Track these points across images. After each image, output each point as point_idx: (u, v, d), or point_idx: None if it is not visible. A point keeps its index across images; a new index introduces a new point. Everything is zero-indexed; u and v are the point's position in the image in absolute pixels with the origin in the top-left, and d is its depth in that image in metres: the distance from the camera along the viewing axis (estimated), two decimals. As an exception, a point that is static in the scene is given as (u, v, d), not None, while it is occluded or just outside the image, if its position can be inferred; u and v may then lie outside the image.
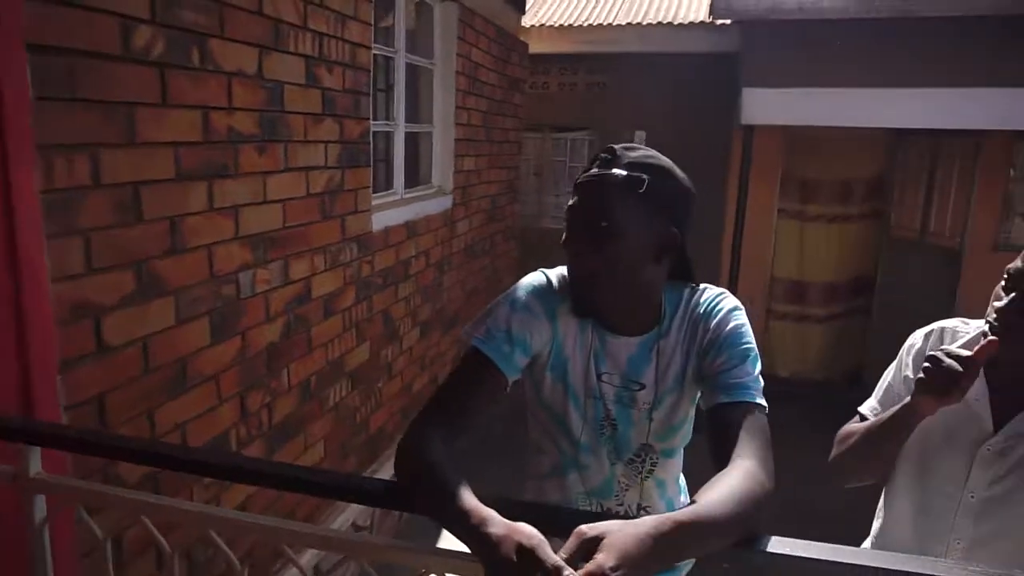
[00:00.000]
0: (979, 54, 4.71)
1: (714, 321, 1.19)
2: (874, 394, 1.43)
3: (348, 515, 2.98)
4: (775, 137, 5.93)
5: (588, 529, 0.78)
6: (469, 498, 0.89)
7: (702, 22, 6.02)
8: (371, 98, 2.82)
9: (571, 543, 0.78)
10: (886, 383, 1.42)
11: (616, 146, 1.16)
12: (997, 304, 1.18)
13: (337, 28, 2.47)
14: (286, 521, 1.17)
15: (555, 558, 0.77)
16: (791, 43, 5.00)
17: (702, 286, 1.27)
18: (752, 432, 1.03)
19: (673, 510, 1.35)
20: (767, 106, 5.03)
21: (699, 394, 1.24)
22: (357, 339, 2.93)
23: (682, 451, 1.37)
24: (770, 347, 6.41)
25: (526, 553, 0.79)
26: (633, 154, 1.15)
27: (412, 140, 3.78)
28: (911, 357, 1.37)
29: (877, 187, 6.16)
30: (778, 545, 0.88)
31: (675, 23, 6.23)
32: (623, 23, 6.32)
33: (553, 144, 7.40)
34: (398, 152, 3.40)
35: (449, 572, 1.03)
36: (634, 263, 1.14)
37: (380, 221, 3.03)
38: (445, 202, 3.84)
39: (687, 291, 1.25)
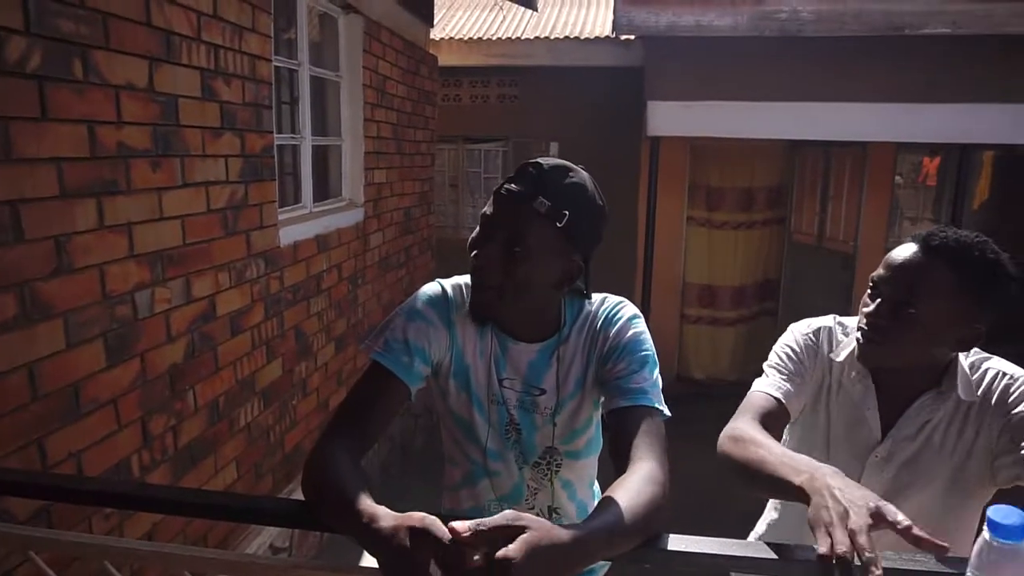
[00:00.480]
0: (861, 71, 5.06)
1: (614, 329, 1.22)
2: (773, 372, 1.31)
3: (264, 538, 2.90)
4: (681, 148, 6.17)
5: (515, 518, 0.78)
6: (364, 501, 0.89)
7: (608, 37, 6.20)
8: (274, 111, 2.77)
9: (496, 519, 0.78)
10: (784, 362, 1.31)
11: (544, 164, 1.14)
12: (865, 310, 1.22)
13: (234, 40, 2.42)
14: (189, 547, 1.15)
15: (448, 534, 0.77)
16: (691, 58, 5.23)
17: (603, 295, 1.30)
18: (650, 435, 1.06)
19: (585, 513, 1.40)
20: (670, 118, 5.24)
21: (600, 399, 1.26)
22: (268, 356, 2.86)
23: (595, 457, 1.39)
24: (684, 350, 6.63)
25: (419, 534, 0.79)
26: (559, 181, 1.13)
27: (321, 153, 3.73)
28: (802, 349, 1.32)
29: (777, 195, 6.49)
30: (677, 543, 0.93)
31: (582, 37, 6.39)
32: (531, 37, 6.44)
33: (467, 155, 7.45)
34: (306, 165, 3.35)
35: None
36: (535, 286, 1.16)
37: (288, 236, 2.98)
38: (357, 215, 3.81)
39: (587, 300, 1.29)
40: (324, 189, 3.75)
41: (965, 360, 1.23)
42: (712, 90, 5.17)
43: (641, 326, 1.24)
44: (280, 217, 2.91)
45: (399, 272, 4.64)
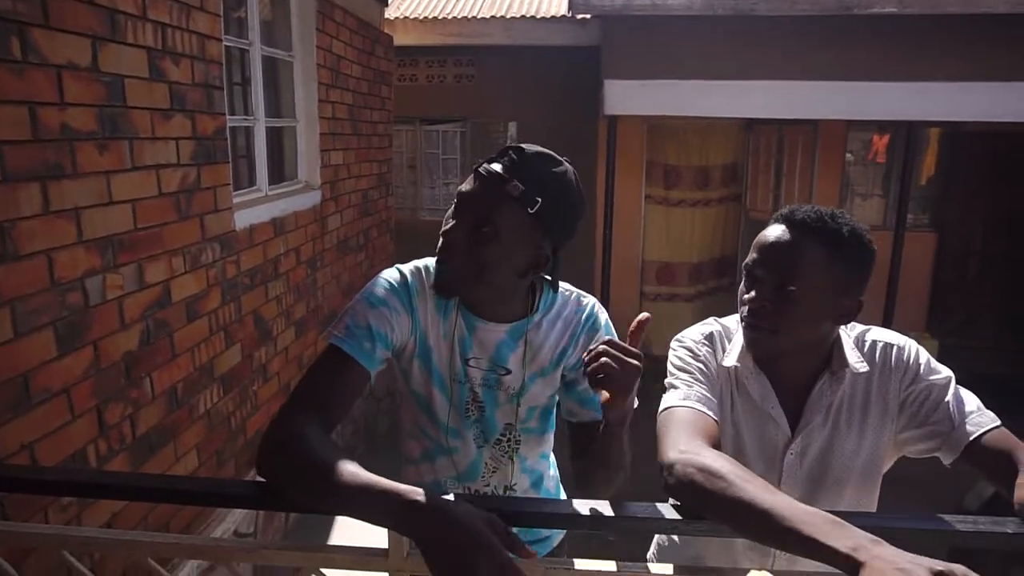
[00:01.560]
0: (812, 50, 5.15)
1: (597, 336, 1.27)
2: (692, 384, 1.20)
3: (229, 524, 2.88)
4: (637, 127, 6.22)
5: None
6: (373, 476, 0.89)
7: (564, 16, 6.19)
8: (226, 92, 2.71)
9: None
10: (695, 374, 1.22)
11: (526, 149, 1.16)
12: (746, 297, 1.19)
13: (182, 19, 2.36)
14: (150, 533, 1.14)
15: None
16: (647, 37, 5.26)
17: (576, 292, 1.33)
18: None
19: (540, 481, 1.43)
20: (627, 97, 5.27)
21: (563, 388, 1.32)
22: (226, 342, 2.83)
23: (552, 433, 1.42)
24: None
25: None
26: (537, 168, 1.15)
27: (275, 135, 3.66)
28: (704, 356, 1.26)
29: (732, 173, 6.61)
30: (627, 509, 0.97)
31: (538, 16, 6.36)
32: (487, 16, 6.39)
33: (425, 136, 7.39)
34: (260, 148, 3.29)
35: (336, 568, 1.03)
36: (500, 270, 1.18)
37: (244, 219, 2.93)
38: (314, 197, 3.76)
39: (558, 291, 1.31)
40: (280, 172, 3.69)
41: (847, 336, 1.24)
42: (668, 69, 5.21)
43: (613, 331, 1.31)
44: (235, 200, 2.86)
45: (358, 255, 4.60)
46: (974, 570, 0.72)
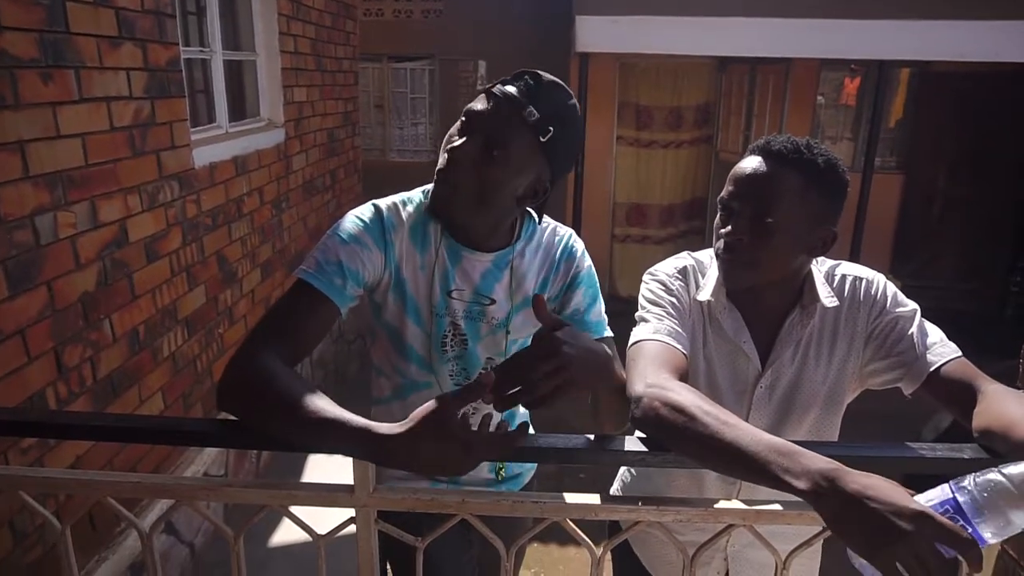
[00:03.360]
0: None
1: (573, 264, 1.31)
2: (663, 317, 1.19)
3: (198, 466, 2.87)
4: (609, 66, 6.10)
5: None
6: (338, 408, 0.90)
7: (535, -53, 5.98)
8: (179, 21, 2.58)
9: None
10: (667, 307, 1.21)
11: (542, 76, 1.15)
12: (723, 231, 1.19)
13: (129, -61, 2.21)
14: (110, 473, 1.12)
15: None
16: (620, -30, 5.11)
17: (553, 223, 1.35)
18: (616, 359, 1.17)
19: (513, 418, 1.43)
20: (598, 34, 5.14)
21: None
22: (189, 284, 2.76)
23: None
24: (613, 269, 6.76)
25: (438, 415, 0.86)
26: (553, 97, 1.14)
27: (235, 70, 3.52)
28: (677, 291, 1.25)
29: (704, 114, 6.55)
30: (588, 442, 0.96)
31: (509, -53, 6.13)
32: (456, -54, 6.14)
33: (393, 74, 7.18)
34: (218, 82, 3.16)
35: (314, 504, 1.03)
36: (501, 194, 1.17)
37: (203, 157, 2.83)
38: (277, 135, 3.64)
39: (540, 222, 1.32)
40: (240, 109, 3.56)
41: (818, 271, 1.24)
42: (640, 5, 5.08)
43: (589, 260, 1.35)
44: (193, 137, 2.75)
45: (325, 196, 4.51)
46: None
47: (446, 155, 1.17)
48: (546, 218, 1.34)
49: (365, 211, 1.22)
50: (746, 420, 1.15)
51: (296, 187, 3.96)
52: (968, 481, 0.78)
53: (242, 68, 3.58)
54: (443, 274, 1.25)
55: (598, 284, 1.35)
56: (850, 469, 0.79)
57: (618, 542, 1.03)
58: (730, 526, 0.99)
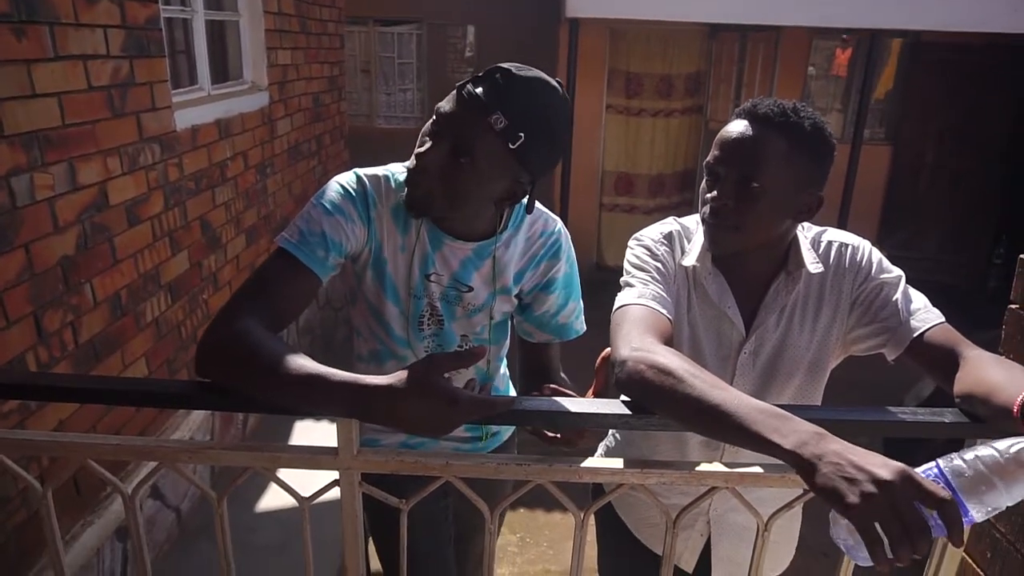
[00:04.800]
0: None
1: (557, 265, 1.31)
2: (648, 282, 1.18)
3: (183, 432, 2.87)
4: (600, 32, 6.03)
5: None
6: (322, 366, 0.89)
7: (526, -92, 5.85)
8: (158, -22, 2.50)
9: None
10: (651, 272, 1.20)
11: (515, 73, 1.08)
12: (709, 196, 1.17)
13: None
14: (90, 436, 1.10)
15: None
16: (611, -68, 5.02)
17: (544, 212, 1.32)
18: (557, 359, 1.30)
19: (490, 379, 1.43)
20: (590, -3, 5.07)
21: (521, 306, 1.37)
22: (172, 249, 2.72)
23: (507, 340, 1.44)
24: (600, 238, 6.75)
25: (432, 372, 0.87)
26: (524, 99, 1.07)
27: (217, 31, 3.43)
28: (662, 256, 1.24)
29: (695, 83, 6.49)
30: (573, 405, 0.96)
31: (499, -92, 6.01)
32: (445, -94, 6.00)
33: (380, 38, 7.05)
34: (200, 42, 3.08)
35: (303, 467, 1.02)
36: (471, 196, 1.14)
37: (185, 119, 2.77)
38: (261, 99, 3.57)
39: (530, 211, 1.28)
40: (223, 71, 3.49)
41: (804, 238, 1.24)
42: (632, -31, 5.01)
43: (573, 255, 1.35)
44: (175, 99, 2.69)
45: (311, 161, 4.45)
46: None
47: (414, 159, 1.13)
48: (539, 207, 1.30)
49: (350, 180, 1.20)
50: (731, 383, 1.16)
51: (281, 152, 3.90)
52: (956, 456, 0.77)
53: (225, 29, 3.49)
54: (423, 257, 1.24)
55: (577, 278, 1.36)
56: (836, 437, 0.79)
57: (601, 504, 1.03)
58: (713, 488, 0.99)
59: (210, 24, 3.21)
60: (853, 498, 0.71)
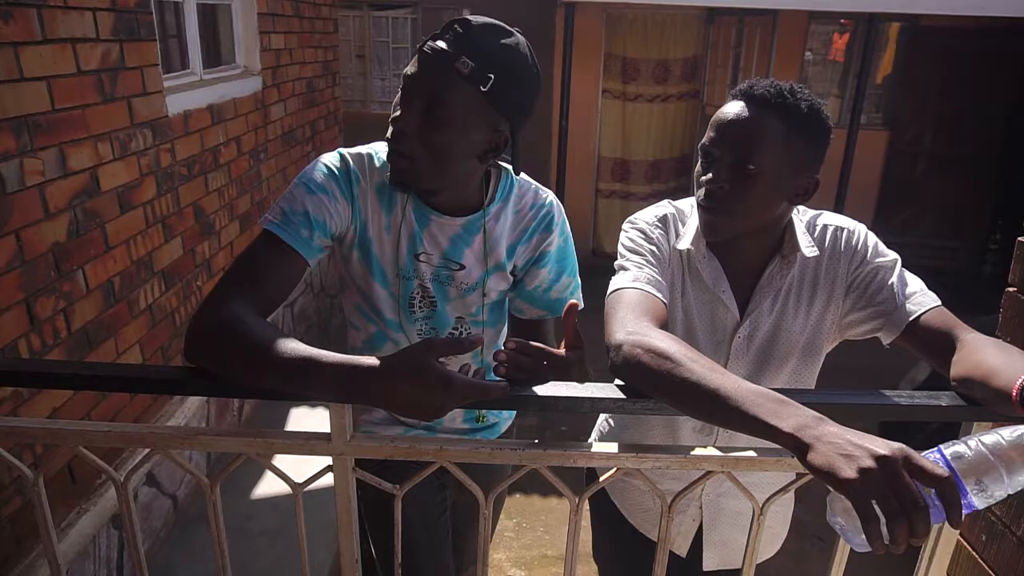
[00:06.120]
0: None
1: (548, 236, 1.27)
2: (642, 265, 1.18)
3: (178, 420, 2.86)
4: (595, 16, 5.98)
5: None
6: (322, 351, 0.88)
7: None
8: (148, -40, 2.47)
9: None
10: (646, 255, 1.20)
11: (472, 22, 1.07)
12: (704, 179, 1.16)
13: None
14: (81, 422, 1.09)
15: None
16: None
17: (534, 184, 1.30)
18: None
19: (489, 370, 1.42)
20: (586, -19, 5.02)
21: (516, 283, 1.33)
22: (165, 235, 2.71)
23: (504, 324, 1.41)
24: (597, 224, 6.74)
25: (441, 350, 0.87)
26: (487, 41, 1.07)
27: (209, 15, 3.40)
28: (657, 239, 1.23)
29: (692, 68, 6.45)
30: (566, 389, 0.97)
31: None
32: None
33: (374, 23, 6.99)
34: (191, 26, 3.04)
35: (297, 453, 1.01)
36: (457, 156, 1.12)
37: (177, 104, 2.74)
38: (254, 84, 3.54)
39: (515, 180, 1.27)
40: (216, 55, 3.45)
41: (799, 221, 1.23)
42: (629, -48, 4.96)
43: (567, 230, 1.31)
44: (166, 84, 2.66)
45: (305, 147, 4.42)
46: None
47: (390, 127, 1.11)
48: (527, 178, 1.28)
49: (332, 159, 1.18)
50: (724, 367, 1.14)
51: (275, 137, 3.87)
52: (958, 441, 0.76)
53: (216, 13, 3.45)
54: (410, 237, 1.22)
55: (572, 254, 1.32)
56: (833, 428, 0.77)
57: (596, 490, 1.03)
58: (708, 473, 0.99)
59: (202, 8, 3.17)
60: (850, 472, 0.69)
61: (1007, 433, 0.74)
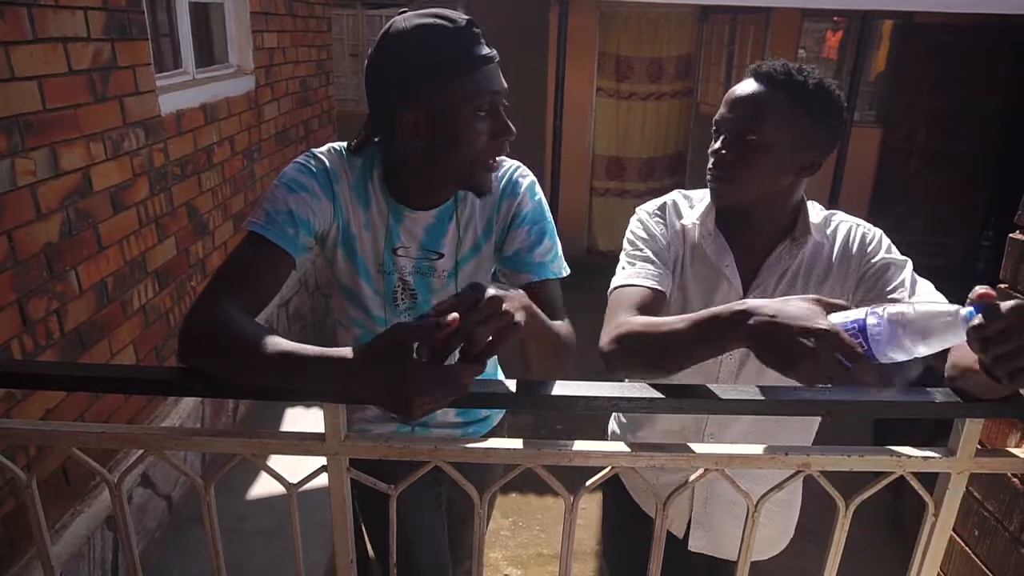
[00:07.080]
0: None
1: (515, 201, 1.24)
2: (636, 261, 1.25)
3: (173, 420, 2.85)
4: (589, 13, 5.98)
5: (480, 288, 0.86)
6: (300, 344, 0.87)
7: None
8: (140, -41, 2.46)
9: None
10: (641, 249, 1.26)
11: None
12: (711, 148, 1.22)
13: None
14: (73, 424, 1.09)
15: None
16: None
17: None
18: (552, 305, 1.18)
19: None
20: (580, -21, 5.01)
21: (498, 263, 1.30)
22: (159, 235, 2.70)
23: None
24: (592, 223, 6.73)
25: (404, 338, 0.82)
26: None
27: (201, 14, 3.38)
28: (653, 228, 1.29)
29: (686, 66, 6.45)
30: (560, 388, 0.96)
31: None
32: None
33: (368, 22, 6.98)
34: (183, 25, 3.03)
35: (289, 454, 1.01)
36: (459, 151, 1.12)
37: (170, 104, 2.73)
38: (247, 83, 3.53)
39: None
40: (208, 54, 3.44)
41: (815, 214, 1.26)
42: (622, -50, 4.96)
43: (538, 193, 1.27)
44: (158, 83, 2.65)
45: (299, 147, 4.40)
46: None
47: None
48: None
49: (307, 159, 1.20)
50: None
51: (268, 137, 3.86)
52: (881, 308, 0.84)
53: (209, 12, 3.44)
54: (387, 232, 1.23)
55: (550, 220, 1.26)
56: (768, 300, 0.91)
57: (589, 490, 1.02)
58: (705, 471, 0.99)
59: (194, 6, 3.16)
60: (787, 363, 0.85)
61: (920, 306, 0.82)
